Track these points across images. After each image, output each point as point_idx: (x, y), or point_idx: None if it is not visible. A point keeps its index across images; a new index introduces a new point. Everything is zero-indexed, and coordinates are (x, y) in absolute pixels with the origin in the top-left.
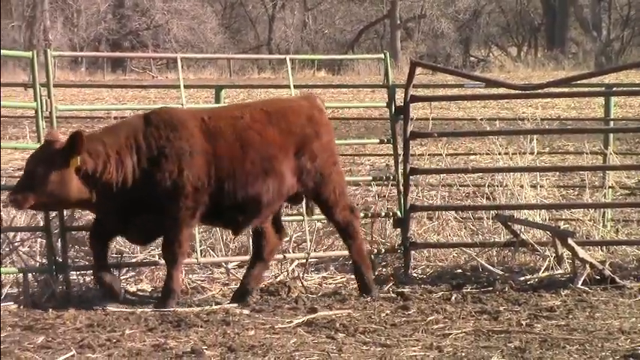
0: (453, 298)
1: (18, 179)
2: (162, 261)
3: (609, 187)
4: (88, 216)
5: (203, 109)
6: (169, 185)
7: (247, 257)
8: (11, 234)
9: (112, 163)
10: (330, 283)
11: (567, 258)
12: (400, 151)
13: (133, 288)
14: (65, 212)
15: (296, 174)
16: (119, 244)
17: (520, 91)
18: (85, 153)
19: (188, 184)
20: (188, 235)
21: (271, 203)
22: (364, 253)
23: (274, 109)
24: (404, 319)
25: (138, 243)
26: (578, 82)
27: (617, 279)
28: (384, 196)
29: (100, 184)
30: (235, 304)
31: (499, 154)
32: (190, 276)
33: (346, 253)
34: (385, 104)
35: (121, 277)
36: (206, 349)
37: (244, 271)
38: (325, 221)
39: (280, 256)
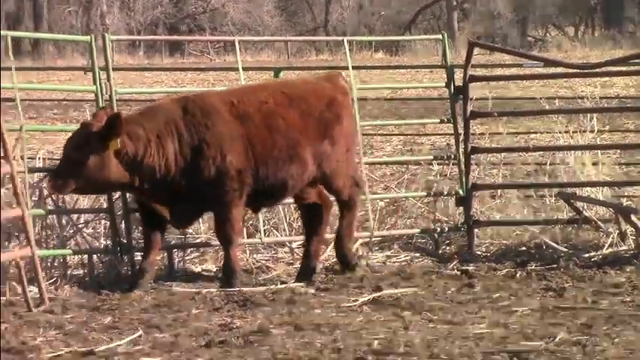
0: (518, 275)
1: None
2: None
3: None
4: None
5: (228, 91)
6: (214, 171)
7: None
8: (75, 216)
9: (152, 147)
10: (394, 262)
11: (631, 235)
12: (460, 131)
13: (197, 268)
14: (128, 194)
15: (316, 160)
16: None
17: (578, 70)
18: (124, 135)
19: (232, 168)
20: (239, 215)
21: (294, 189)
22: (354, 226)
23: (296, 93)
24: (469, 296)
25: (179, 227)
26: (636, 60)
27: None
28: (446, 175)
29: (141, 168)
30: (301, 283)
31: (559, 132)
32: (255, 256)
33: (410, 231)
34: (444, 84)
35: (186, 258)
36: (273, 328)
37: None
38: (388, 200)
39: None
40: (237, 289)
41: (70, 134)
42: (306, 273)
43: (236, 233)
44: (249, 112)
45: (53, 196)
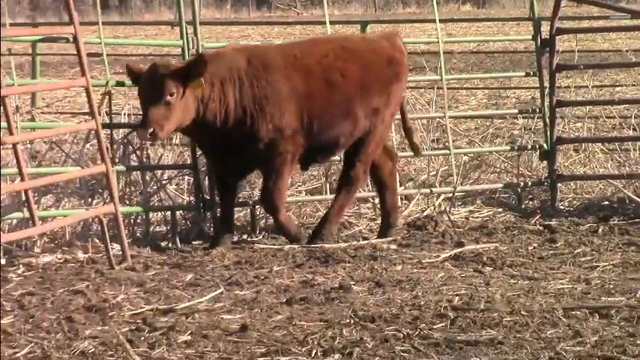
0: (600, 230)
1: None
2: (310, 197)
3: None
4: None
5: (290, 45)
6: (270, 129)
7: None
8: (159, 172)
9: (215, 92)
10: (476, 217)
11: None
12: (546, 84)
13: None
14: None
15: (369, 117)
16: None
17: None
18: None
19: (288, 128)
20: (287, 181)
21: (345, 146)
22: (345, 208)
23: (358, 48)
24: (551, 252)
25: (230, 180)
26: None
27: None
28: (531, 129)
29: (204, 113)
30: (383, 239)
31: None
32: None
33: (493, 186)
34: (531, 37)
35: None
36: (354, 284)
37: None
38: (471, 155)
39: (427, 191)
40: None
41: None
42: (386, 228)
43: (282, 200)
44: (310, 67)
45: (138, 151)
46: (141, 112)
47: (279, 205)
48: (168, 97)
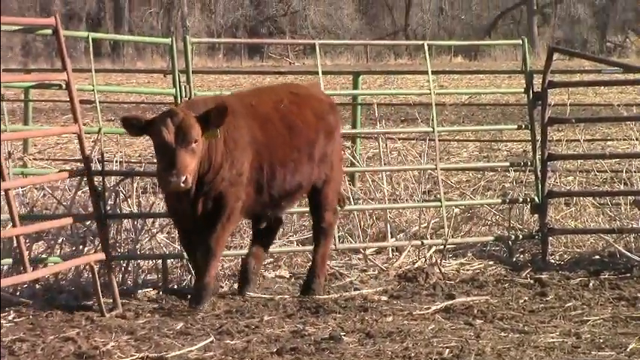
0: (591, 284)
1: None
2: (301, 247)
3: None
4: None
5: (241, 94)
6: (231, 176)
7: (385, 243)
8: (150, 220)
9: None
10: (467, 270)
11: None
12: (538, 137)
13: (271, 274)
14: None
15: (320, 164)
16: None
17: None
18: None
19: (245, 174)
20: (230, 232)
21: (296, 197)
22: (327, 257)
23: (304, 94)
24: (542, 305)
25: (198, 238)
26: None
27: None
28: (522, 182)
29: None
30: (373, 290)
31: (636, 139)
32: (328, 262)
33: (485, 239)
34: (523, 90)
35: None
36: (344, 335)
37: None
38: (463, 207)
39: (418, 242)
40: (206, 304)
41: (145, 137)
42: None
43: (222, 249)
44: (267, 114)
45: (129, 199)
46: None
47: (218, 252)
48: (194, 145)
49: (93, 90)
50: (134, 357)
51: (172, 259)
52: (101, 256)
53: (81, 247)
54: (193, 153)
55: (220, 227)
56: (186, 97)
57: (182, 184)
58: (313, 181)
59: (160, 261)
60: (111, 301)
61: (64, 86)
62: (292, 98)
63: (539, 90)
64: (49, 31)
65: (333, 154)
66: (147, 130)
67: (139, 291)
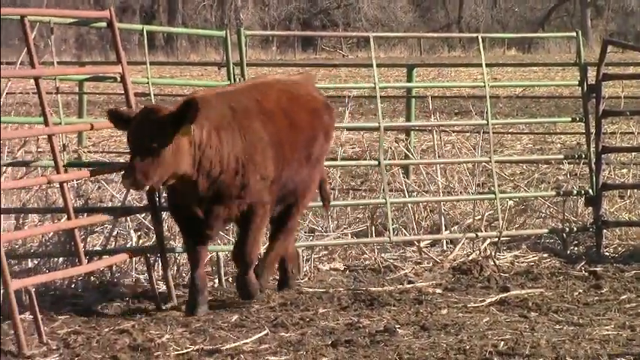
0: None
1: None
2: (355, 239)
3: None
4: None
5: (245, 88)
6: (255, 182)
7: (439, 236)
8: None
9: (212, 138)
10: (522, 262)
11: None
12: (592, 130)
13: (325, 267)
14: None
15: (313, 164)
16: (311, 222)
17: None
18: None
19: (269, 177)
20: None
21: (297, 193)
22: (279, 257)
23: (302, 92)
24: (596, 298)
25: (209, 237)
26: None
27: None
28: (576, 175)
29: (200, 159)
30: (428, 283)
31: None
32: (383, 255)
33: (539, 231)
34: (577, 83)
35: (314, 256)
36: (399, 327)
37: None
38: (517, 200)
39: (472, 235)
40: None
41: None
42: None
43: (257, 256)
44: (272, 111)
45: None
46: None
47: (254, 260)
48: (155, 145)
49: (147, 82)
50: (189, 349)
51: (226, 252)
52: (156, 248)
53: (135, 239)
54: (156, 154)
55: (252, 238)
56: None
57: (131, 186)
58: (304, 182)
59: (214, 253)
60: (166, 293)
61: (118, 79)
62: (290, 96)
63: (594, 82)
64: (104, 24)
65: (321, 155)
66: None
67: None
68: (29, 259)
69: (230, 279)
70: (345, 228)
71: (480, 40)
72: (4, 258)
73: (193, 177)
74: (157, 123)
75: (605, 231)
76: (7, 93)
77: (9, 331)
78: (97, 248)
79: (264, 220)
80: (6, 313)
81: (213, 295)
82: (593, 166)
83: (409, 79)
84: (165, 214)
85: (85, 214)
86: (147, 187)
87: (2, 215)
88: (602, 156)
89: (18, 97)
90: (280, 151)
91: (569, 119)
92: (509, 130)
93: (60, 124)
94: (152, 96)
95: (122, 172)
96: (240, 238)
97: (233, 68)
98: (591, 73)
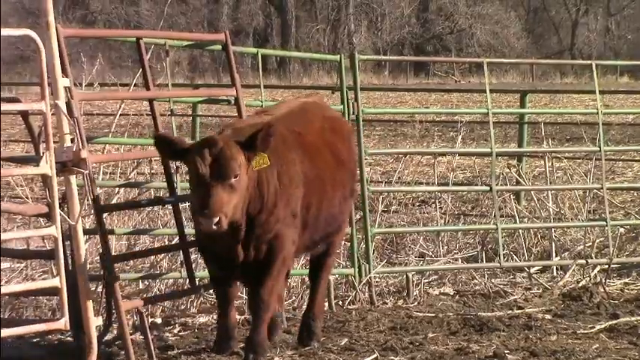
0: None
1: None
2: (465, 264)
3: None
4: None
5: (283, 118)
6: (286, 216)
7: (550, 262)
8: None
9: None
10: (632, 289)
11: None
12: None
13: (435, 291)
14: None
15: (350, 199)
16: (422, 246)
17: None
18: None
19: (298, 216)
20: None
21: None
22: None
23: (337, 118)
24: None
25: (231, 283)
26: None
27: None
28: None
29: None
30: (537, 309)
31: None
32: (493, 280)
33: None
34: None
35: (424, 281)
36: (508, 353)
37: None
38: (628, 227)
39: (583, 262)
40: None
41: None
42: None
43: (275, 300)
44: (313, 143)
45: None
46: None
47: (273, 305)
48: (233, 180)
49: (261, 105)
50: None
51: (337, 275)
52: None
53: None
54: (232, 189)
55: (275, 276)
56: (353, 113)
57: (214, 227)
58: (339, 222)
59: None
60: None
61: (232, 101)
62: (330, 124)
63: None
64: (219, 47)
65: (354, 190)
66: (182, 157)
67: (304, 306)
68: (140, 281)
69: (340, 302)
70: (455, 253)
71: (594, 66)
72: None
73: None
74: (235, 156)
75: None
76: (120, 114)
77: (120, 352)
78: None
79: (287, 264)
80: (118, 334)
81: (324, 318)
82: None
83: (522, 105)
84: None
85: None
86: (225, 229)
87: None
88: None
89: (131, 118)
90: (315, 190)
91: None
92: (621, 157)
93: None
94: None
95: (194, 210)
96: (261, 279)
97: (347, 92)
98: None
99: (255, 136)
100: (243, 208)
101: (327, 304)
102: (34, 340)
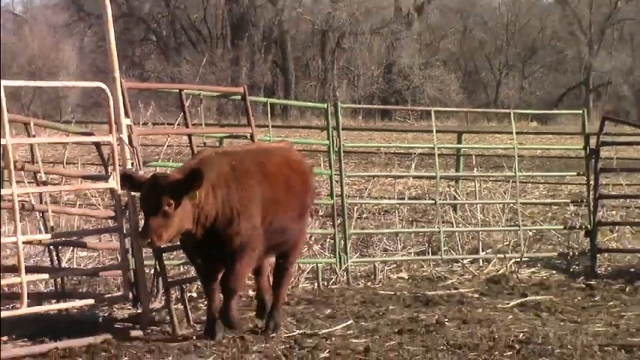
0: (627, 289)
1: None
2: (417, 257)
3: None
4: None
5: (252, 152)
6: (247, 228)
7: (478, 256)
8: (307, 236)
9: (209, 196)
10: (537, 276)
11: None
12: (592, 182)
13: (394, 276)
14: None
15: (301, 221)
16: (385, 243)
17: None
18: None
19: (259, 228)
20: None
21: (288, 244)
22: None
23: (296, 160)
24: (591, 303)
25: (212, 277)
26: None
27: None
28: (578, 214)
29: (198, 215)
30: (468, 289)
31: None
32: (436, 268)
33: (550, 254)
34: (582, 147)
35: (387, 268)
36: (447, 321)
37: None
38: (535, 231)
39: (502, 255)
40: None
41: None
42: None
43: (242, 288)
44: (272, 173)
45: None
46: None
47: (239, 291)
48: (166, 208)
49: (269, 140)
50: (294, 333)
51: (323, 263)
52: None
53: None
54: (165, 216)
55: (238, 271)
56: (336, 146)
57: (147, 244)
58: (294, 239)
59: (314, 265)
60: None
61: (249, 137)
62: (288, 162)
63: (594, 147)
64: (239, 97)
65: (307, 213)
66: (139, 189)
67: (300, 285)
68: (180, 266)
69: (325, 283)
70: (409, 248)
71: (512, 114)
72: (164, 268)
73: (192, 230)
74: (167, 189)
75: (598, 255)
76: (167, 145)
77: (166, 317)
78: None
79: (249, 263)
80: (165, 305)
81: (312, 294)
82: (591, 208)
83: (459, 142)
84: None
85: None
86: (158, 246)
87: None
88: (599, 201)
89: (175, 148)
90: (272, 209)
91: (575, 173)
92: (530, 181)
93: None
94: None
95: (139, 231)
96: (228, 271)
97: (332, 131)
98: (592, 141)
99: (185, 178)
100: (190, 223)
101: (315, 284)
102: (105, 309)
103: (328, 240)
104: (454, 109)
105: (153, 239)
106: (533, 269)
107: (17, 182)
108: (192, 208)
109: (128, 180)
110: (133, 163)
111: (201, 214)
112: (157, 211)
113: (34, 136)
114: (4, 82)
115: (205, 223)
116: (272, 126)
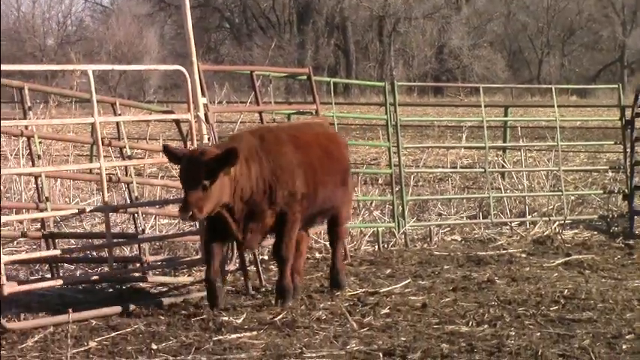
0: None
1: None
2: (469, 220)
3: None
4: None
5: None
6: (284, 196)
7: (524, 219)
8: (369, 202)
9: (243, 168)
10: (579, 237)
11: None
12: (628, 149)
13: (448, 238)
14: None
15: (344, 188)
16: (439, 209)
17: None
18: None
19: (299, 192)
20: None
21: (332, 210)
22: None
23: (331, 133)
24: (629, 261)
25: (251, 247)
26: None
27: None
28: (617, 180)
29: (235, 188)
30: (518, 249)
31: None
32: (487, 231)
33: (591, 216)
34: (618, 118)
35: (442, 231)
36: (497, 279)
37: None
38: (577, 196)
39: (547, 218)
40: (290, 304)
41: (365, 147)
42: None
43: (292, 254)
44: (307, 142)
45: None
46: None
47: (290, 257)
48: (205, 182)
49: (333, 116)
50: (358, 291)
51: (383, 227)
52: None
53: None
54: (205, 190)
55: (286, 240)
56: (393, 120)
57: (188, 218)
58: (339, 202)
59: (379, 229)
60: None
61: (314, 113)
62: (324, 133)
63: (629, 118)
64: (305, 77)
65: (349, 181)
66: (179, 162)
67: (362, 248)
68: None
69: (385, 245)
70: (461, 213)
71: (553, 89)
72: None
73: (231, 204)
74: (206, 163)
75: (635, 217)
76: (240, 122)
77: (240, 277)
78: None
79: (295, 228)
80: (239, 266)
81: (374, 256)
82: (628, 174)
83: (505, 115)
84: None
85: None
86: (200, 219)
87: None
88: (635, 167)
89: (247, 124)
90: (310, 173)
91: (612, 142)
92: (572, 150)
93: None
94: (335, 125)
95: (179, 206)
96: (277, 241)
97: (389, 106)
98: (627, 112)
99: (220, 155)
100: (228, 197)
101: (376, 247)
102: (184, 270)
103: (387, 206)
104: (500, 85)
105: (194, 212)
106: (576, 231)
107: (105, 157)
108: (229, 182)
109: (168, 154)
110: (209, 138)
111: (237, 187)
112: (196, 184)
113: (119, 114)
114: (94, 67)
115: (242, 196)
116: (335, 103)
